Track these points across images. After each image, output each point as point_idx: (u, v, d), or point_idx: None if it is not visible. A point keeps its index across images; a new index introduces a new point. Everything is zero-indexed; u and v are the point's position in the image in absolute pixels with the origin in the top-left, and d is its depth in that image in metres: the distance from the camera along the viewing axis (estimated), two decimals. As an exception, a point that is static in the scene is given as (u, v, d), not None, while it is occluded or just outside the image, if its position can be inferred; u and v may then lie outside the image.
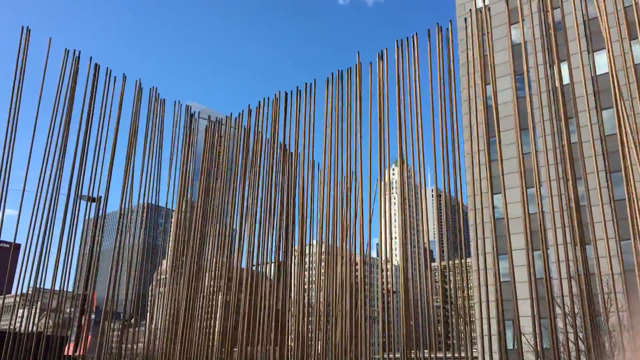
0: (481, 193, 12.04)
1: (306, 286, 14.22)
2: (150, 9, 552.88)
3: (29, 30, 15.91)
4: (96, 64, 16.73)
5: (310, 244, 14.64)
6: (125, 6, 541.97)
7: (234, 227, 16.23)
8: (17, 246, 16.14)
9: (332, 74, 14.77)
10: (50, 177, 15.32)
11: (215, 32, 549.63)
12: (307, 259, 14.95)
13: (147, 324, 17.41)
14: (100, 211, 16.39)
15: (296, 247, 14.64)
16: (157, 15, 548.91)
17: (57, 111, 15.82)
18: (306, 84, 15.40)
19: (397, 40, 13.40)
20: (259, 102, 16.81)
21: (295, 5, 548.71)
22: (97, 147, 16.07)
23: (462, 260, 11.78)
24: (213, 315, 15.65)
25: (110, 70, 16.88)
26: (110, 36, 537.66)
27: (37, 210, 15.04)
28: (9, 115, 15.17)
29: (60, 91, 15.96)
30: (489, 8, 12.96)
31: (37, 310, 15.46)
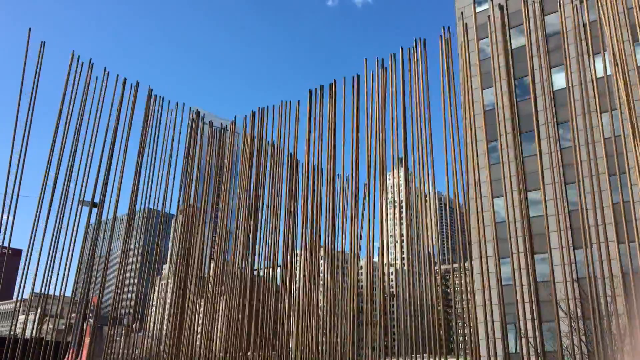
0: (472, 197, 12.04)
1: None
2: (147, 12, 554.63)
3: (44, 43, 15.56)
4: (105, 69, 16.82)
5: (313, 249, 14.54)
6: (123, 10, 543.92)
7: (237, 229, 16.20)
8: (19, 252, 16.15)
9: (344, 78, 14.75)
10: (59, 183, 15.38)
11: (207, 34, 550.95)
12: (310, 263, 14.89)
13: (149, 329, 17.41)
14: (100, 217, 16.36)
15: (299, 252, 14.62)
16: (153, 18, 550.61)
17: (66, 118, 15.80)
18: (310, 90, 15.39)
19: (402, 48, 13.44)
20: (261, 108, 16.82)
21: (283, 6, 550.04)
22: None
23: (461, 264, 11.77)
24: (215, 320, 15.61)
25: (124, 77, 17.00)
26: (107, 39, 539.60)
27: (41, 216, 15.08)
28: (25, 126, 14.93)
29: (71, 101, 15.90)
30: (489, 15, 13.01)
31: (38, 316, 15.43)
